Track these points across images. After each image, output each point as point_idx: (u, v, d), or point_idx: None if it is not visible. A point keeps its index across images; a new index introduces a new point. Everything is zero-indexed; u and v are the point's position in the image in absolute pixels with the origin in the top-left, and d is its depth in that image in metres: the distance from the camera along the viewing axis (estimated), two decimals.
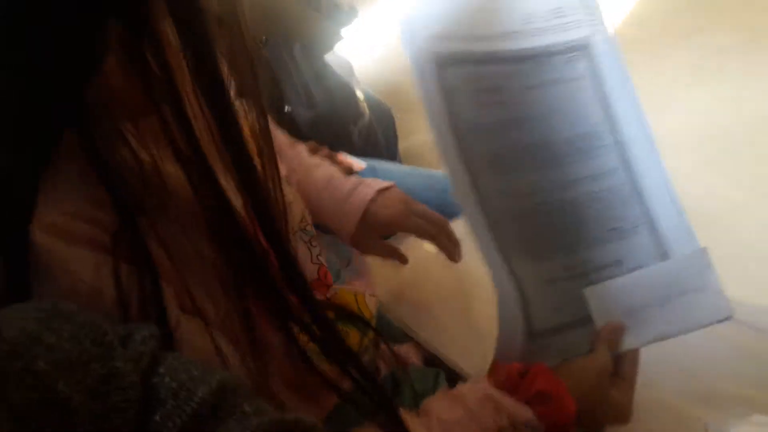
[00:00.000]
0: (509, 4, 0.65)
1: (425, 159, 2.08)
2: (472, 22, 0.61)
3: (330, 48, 1.26)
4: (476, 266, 0.64)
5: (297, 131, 0.77)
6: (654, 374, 0.67)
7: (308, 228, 0.63)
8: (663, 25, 2.53)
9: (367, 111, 1.24)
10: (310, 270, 0.60)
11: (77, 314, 0.33)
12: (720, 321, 0.64)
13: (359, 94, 1.26)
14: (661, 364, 0.70)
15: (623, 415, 0.56)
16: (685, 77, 2.17)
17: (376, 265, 0.79)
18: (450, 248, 0.72)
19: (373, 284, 0.72)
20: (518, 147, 0.58)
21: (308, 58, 1.14)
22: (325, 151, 0.92)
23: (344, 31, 1.63)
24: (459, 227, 0.76)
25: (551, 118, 0.60)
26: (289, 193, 0.62)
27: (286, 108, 1.11)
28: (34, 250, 0.35)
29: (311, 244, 0.61)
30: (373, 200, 0.71)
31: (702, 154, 1.82)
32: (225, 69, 0.45)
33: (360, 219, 0.70)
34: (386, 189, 0.73)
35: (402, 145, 1.84)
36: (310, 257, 0.61)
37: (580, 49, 0.61)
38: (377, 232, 0.72)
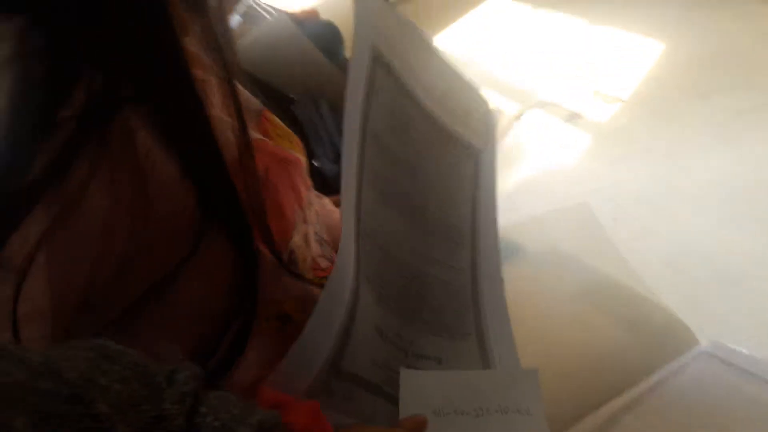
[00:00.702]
0: (443, 71, 0.67)
1: None
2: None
3: None
4: None
5: (324, 185, 0.79)
6: None
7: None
8: (681, 86, 2.56)
9: None
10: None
11: (123, 354, 0.33)
12: None
13: None
14: None
15: None
16: (706, 137, 2.18)
17: None
18: None
19: None
20: (401, 190, 0.58)
21: (335, 114, 1.16)
22: None
23: None
24: None
25: (437, 189, 0.60)
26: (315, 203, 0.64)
27: (314, 163, 1.13)
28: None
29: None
30: None
31: (725, 211, 1.81)
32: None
33: None
34: None
35: None
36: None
37: (474, 154, 0.63)
38: None
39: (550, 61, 3.10)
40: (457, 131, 0.62)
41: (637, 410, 0.75)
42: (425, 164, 0.59)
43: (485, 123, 0.67)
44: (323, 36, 2.06)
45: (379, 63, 0.56)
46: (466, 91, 0.69)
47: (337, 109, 1.19)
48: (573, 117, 2.52)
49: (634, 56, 2.91)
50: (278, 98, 1.17)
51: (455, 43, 3.67)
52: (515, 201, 2.12)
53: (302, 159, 0.66)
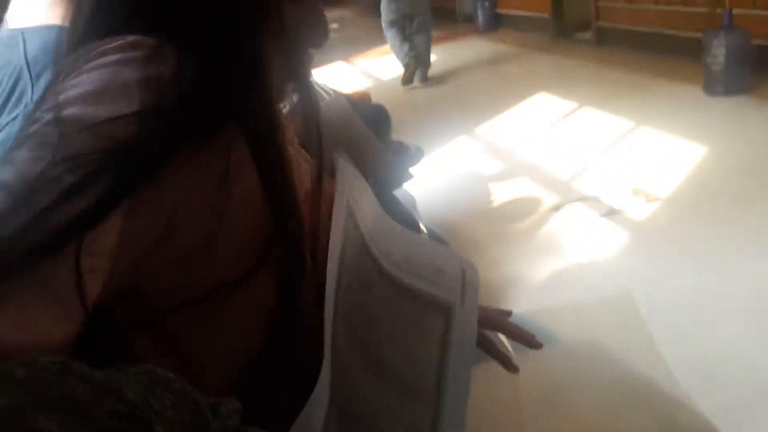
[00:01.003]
0: (406, 238, 0.69)
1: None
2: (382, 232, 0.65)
3: (399, 185, 1.35)
4: None
5: None
6: None
7: None
8: (723, 190, 2.57)
9: None
10: None
11: (172, 381, 0.34)
12: None
13: (423, 228, 1.33)
14: None
15: None
16: (746, 243, 2.17)
17: None
18: (500, 356, 0.74)
19: None
20: (364, 341, 0.59)
21: (378, 192, 1.23)
22: None
23: (413, 171, 1.75)
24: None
25: (395, 343, 0.61)
26: None
27: None
28: None
29: None
30: None
31: (764, 320, 1.78)
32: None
33: None
34: None
35: None
36: None
37: (443, 309, 0.63)
38: None
39: (593, 157, 3.16)
40: (421, 290, 0.63)
41: None
42: (384, 318, 0.59)
43: (461, 280, 0.67)
44: (374, 118, 2.19)
45: (351, 215, 0.60)
46: (436, 251, 0.71)
47: (380, 188, 1.26)
48: (612, 212, 2.55)
49: (676, 158, 2.94)
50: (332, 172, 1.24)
51: (500, 133, 3.79)
52: (550, 291, 2.13)
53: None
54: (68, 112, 0.42)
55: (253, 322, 0.54)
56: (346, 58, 6.85)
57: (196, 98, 0.46)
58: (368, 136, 1.43)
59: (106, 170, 0.41)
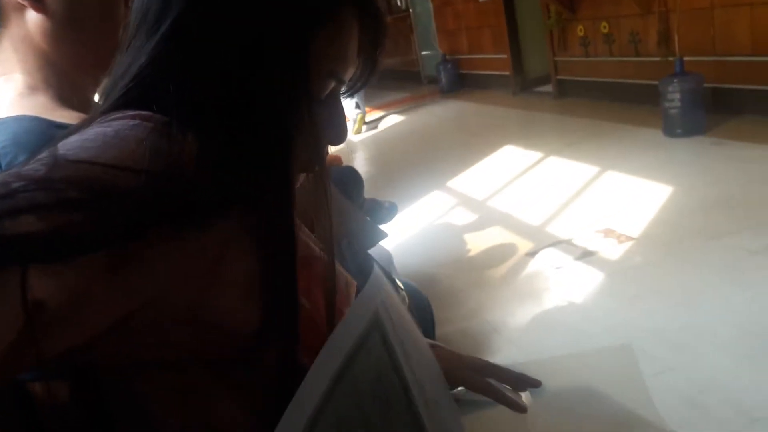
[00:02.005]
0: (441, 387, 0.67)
1: (459, 345, 2.11)
2: None
3: (374, 244, 1.38)
4: None
5: None
6: None
7: None
8: (691, 227, 2.63)
9: (407, 300, 1.31)
10: None
11: None
12: None
13: (399, 283, 1.34)
14: None
15: None
16: (719, 276, 2.21)
17: None
18: (506, 399, 0.73)
19: None
20: None
21: (353, 252, 1.25)
22: None
23: (388, 229, 1.78)
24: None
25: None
26: None
27: None
28: None
29: None
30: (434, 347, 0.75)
31: (743, 349, 1.80)
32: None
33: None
34: (434, 347, 0.76)
35: (438, 331, 1.88)
36: None
37: (375, 327, 0.63)
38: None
39: (563, 202, 3.23)
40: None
41: None
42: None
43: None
44: (345, 180, 2.23)
45: (377, 327, 0.58)
46: (455, 415, 0.71)
47: (355, 248, 1.28)
48: (586, 255, 2.59)
49: (643, 198, 3.03)
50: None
51: (471, 185, 3.86)
52: (532, 337, 2.14)
53: (351, 282, 0.72)
54: (67, 152, 0.42)
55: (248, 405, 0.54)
56: None
57: (209, 178, 0.46)
58: (341, 200, 1.46)
59: (86, 207, 0.39)
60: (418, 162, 4.69)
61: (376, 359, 0.57)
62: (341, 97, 0.59)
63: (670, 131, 3.81)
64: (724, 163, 3.25)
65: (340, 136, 0.59)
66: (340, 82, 0.56)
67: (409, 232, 3.28)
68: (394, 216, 2.71)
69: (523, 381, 0.74)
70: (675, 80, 3.70)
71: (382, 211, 2.59)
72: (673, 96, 3.71)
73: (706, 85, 3.78)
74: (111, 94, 0.51)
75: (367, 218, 1.47)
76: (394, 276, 1.41)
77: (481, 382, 0.72)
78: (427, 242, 3.16)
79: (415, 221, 3.42)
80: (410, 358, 0.61)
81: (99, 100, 0.53)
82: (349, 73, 0.56)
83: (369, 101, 7.62)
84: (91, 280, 0.40)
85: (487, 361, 0.76)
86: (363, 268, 1.23)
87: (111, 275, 0.41)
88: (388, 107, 7.16)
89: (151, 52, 0.50)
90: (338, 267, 0.67)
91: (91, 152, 0.42)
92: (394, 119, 6.56)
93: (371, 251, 1.54)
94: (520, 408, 0.72)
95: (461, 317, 2.28)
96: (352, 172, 2.25)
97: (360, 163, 2.45)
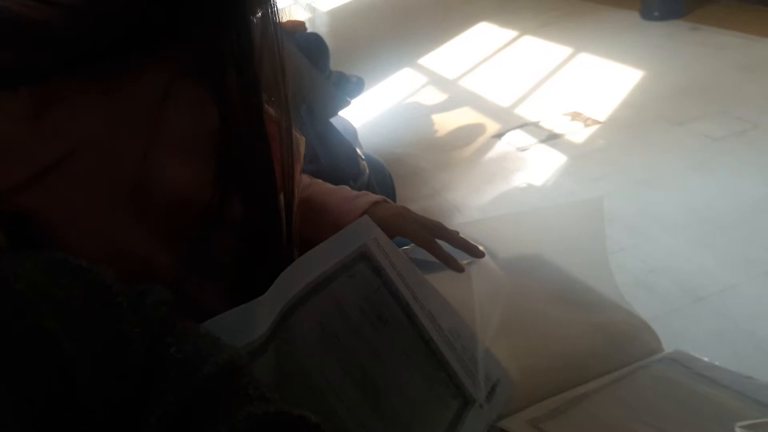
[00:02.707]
0: (461, 323, 0.67)
1: None
2: None
3: (335, 113, 1.32)
4: None
5: None
6: None
7: None
8: (659, 112, 2.62)
9: (367, 170, 1.29)
10: None
11: (87, 270, 0.31)
12: None
13: (360, 153, 1.31)
14: None
15: None
16: (681, 162, 2.24)
17: None
18: (445, 256, 0.73)
19: None
20: (358, 359, 0.59)
21: (313, 118, 1.19)
22: None
23: (354, 101, 1.72)
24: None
25: (402, 387, 0.60)
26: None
27: None
28: None
29: None
30: (376, 203, 0.75)
31: (695, 233, 1.86)
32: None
33: (362, 214, 0.73)
34: (387, 201, 0.78)
35: None
36: None
37: (464, 397, 0.64)
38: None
39: (533, 84, 3.17)
40: (454, 369, 0.62)
41: (595, 397, 0.78)
42: (396, 359, 0.59)
43: (493, 388, 0.67)
44: (309, 46, 2.11)
45: (365, 259, 0.61)
46: (480, 349, 0.69)
47: (315, 114, 1.23)
48: (552, 137, 2.58)
49: (613, 82, 2.98)
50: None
51: (442, 63, 3.75)
52: (489, 212, 2.16)
53: (299, 141, 0.69)
54: None
55: None
56: None
57: (139, 13, 0.42)
58: (301, 62, 1.38)
59: (4, 43, 0.37)
60: (389, 36, 4.50)
61: (364, 284, 0.60)
62: None
63: (647, 14, 3.70)
64: (698, 49, 3.19)
65: None
66: None
67: (376, 109, 3.20)
68: (361, 91, 2.61)
69: (467, 247, 0.73)
70: None
71: (349, 85, 2.50)
72: None
73: None
74: None
75: (330, 84, 1.40)
76: (357, 149, 1.37)
77: (426, 239, 0.71)
78: (394, 121, 3.10)
79: (383, 99, 3.34)
80: (413, 290, 0.63)
81: None
82: None
83: None
84: (16, 122, 0.38)
85: (438, 222, 0.75)
86: (323, 136, 1.19)
87: (35, 119, 0.38)
88: None
89: None
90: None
91: None
92: None
93: (336, 123, 1.49)
94: (458, 267, 0.72)
95: (424, 196, 2.28)
96: (317, 39, 2.13)
97: (327, 35, 2.32)
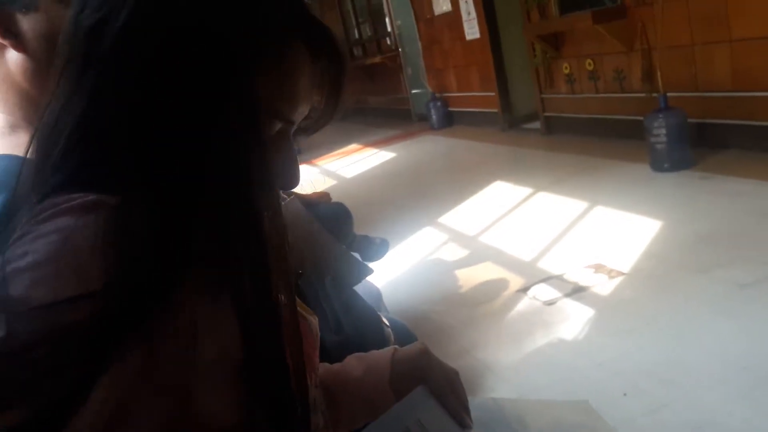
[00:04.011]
0: None
1: None
2: None
3: (359, 281, 1.37)
4: None
5: (325, 355, 0.83)
6: None
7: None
8: (681, 260, 2.64)
9: (392, 337, 1.30)
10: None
11: None
12: None
13: (385, 320, 1.33)
14: None
15: None
16: (710, 309, 2.21)
17: None
18: (455, 410, 0.71)
19: None
20: None
21: (338, 289, 1.24)
22: None
23: (378, 265, 1.77)
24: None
25: None
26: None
27: None
28: None
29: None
30: (397, 349, 0.76)
31: (734, 386, 1.78)
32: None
33: (390, 362, 0.74)
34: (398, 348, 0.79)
35: None
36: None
37: None
38: (408, 376, 0.73)
39: (553, 238, 3.24)
40: None
41: None
42: None
43: None
44: (334, 215, 2.23)
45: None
46: None
47: (339, 284, 1.27)
48: (577, 290, 2.58)
49: (632, 233, 3.03)
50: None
51: (462, 221, 3.87)
52: (520, 374, 2.11)
53: (315, 321, 0.71)
54: (15, 286, 0.41)
55: None
56: (309, 161, 7.02)
57: (171, 256, 0.45)
58: (324, 236, 1.46)
59: (53, 362, 0.40)
60: (409, 198, 4.71)
61: None
62: (295, 138, 0.58)
63: (657, 166, 3.85)
64: (712, 197, 3.27)
65: (292, 180, 0.57)
66: (289, 123, 0.54)
67: (401, 268, 3.26)
68: (385, 252, 2.70)
69: (460, 416, 0.71)
70: (660, 116, 3.75)
71: (373, 247, 2.59)
72: (659, 131, 3.76)
73: (690, 120, 3.83)
74: (45, 163, 0.49)
75: (352, 254, 1.46)
76: (381, 314, 1.40)
77: (444, 388, 0.71)
78: (418, 279, 3.15)
79: (407, 258, 3.41)
80: None
81: (31, 146, 0.51)
82: (299, 114, 0.55)
83: (360, 139, 7.71)
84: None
85: (456, 371, 0.75)
86: (348, 305, 1.22)
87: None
88: (380, 144, 7.22)
89: (83, 107, 0.48)
90: (299, 310, 0.66)
91: (42, 289, 0.41)
92: (385, 156, 6.60)
93: (359, 288, 1.53)
94: (466, 424, 0.71)
95: (453, 355, 2.25)
96: (341, 208, 2.25)
97: (351, 200, 2.46)
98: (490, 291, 2.79)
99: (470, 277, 3.02)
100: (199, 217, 0.48)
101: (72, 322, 0.40)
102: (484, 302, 2.69)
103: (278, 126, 0.53)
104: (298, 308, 0.66)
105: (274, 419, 0.54)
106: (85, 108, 0.48)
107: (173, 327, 0.46)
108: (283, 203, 1.51)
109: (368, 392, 0.74)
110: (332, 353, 1.10)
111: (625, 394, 1.85)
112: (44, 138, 0.50)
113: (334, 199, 2.56)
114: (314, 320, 0.69)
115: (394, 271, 3.20)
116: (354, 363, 0.78)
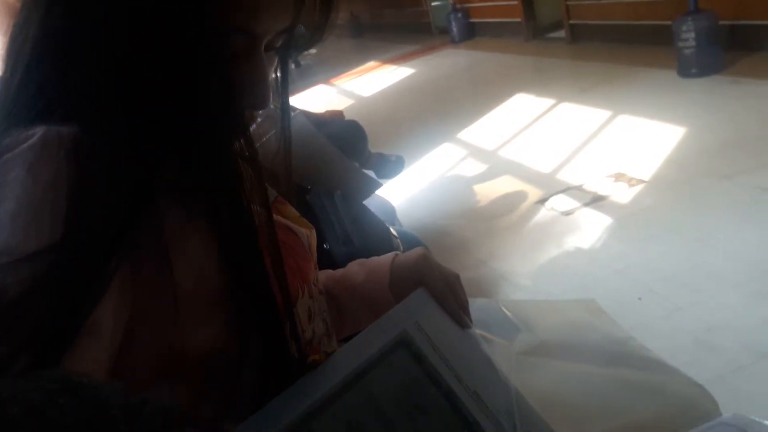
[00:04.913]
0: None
1: (467, 293, 2.10)
2: None
3: (368, 195, 1.37)
4: None
5: (335, 267, 0.84)
6: None
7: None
8: (704, 167, 2.58)
9: (401, 248, 1.32)
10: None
11: (87, 386, 0.32)
12: None
13: (394, 232, 1.34)
14: None
15: None
16: (732, 215, 2.18)
17: None
18: (454, 310, 0.72)
19: None
20: None
21: (347, 203, 1.24)
22: None
23: (395, 182, 1.77)
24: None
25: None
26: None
27: (325, 245, 1.20)
28: None
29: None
30: (397, 254, 0.78)
31: (756, 287, 1.78)
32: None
33: (390, 267, 0.75)
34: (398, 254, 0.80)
35: None
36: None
37: (401, 345, 0.66)
38: (407, 280, 0.74)
39: (574, 148, 3.18)
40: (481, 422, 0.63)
41: None
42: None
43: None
44: (347, 133, 2.21)
45: (405, 346, 0.62)
46: (539, 426, 0.72)
47: (349, 199, 1.28)
48: (596, 200, 2.56)
49: (655, 141, 2.96)
50: (295, 189, 1.26)
51: (481, 136, 3.81)
52: (536, 282, 2.13)
53: (309, 234, 0.72)
54: None
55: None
56: (326, 81, 6.92)
57: (125, 182, 0.45)
58: (331, 151, 1.46)
59: (51, 307, 0.40)
60: (429, 114, 4.64)
61: (403, 372, 0.60)
62: (276, 55, 0.55)
63: (684, 71, 3.70)
64: (740, 102, 3.16)
65: (262, 99, 0.54)
66: (253, 37, 0.51)
67: (419, 185, 3.26)
68: (401, 170, 2.69)
69: (458, 317, 0.71)
70: (689, 19, 3.57)
71: (389, 164, 2.58)
72: (688, 35, 3.59)
73: (722, 22, 3.64)
74: (11, 83, 0.49)
75: (361, 169, 1.46)
76: (392, 227, 1.41)
77: (443, 291, 0.70)
78: (436, 195, 3.15)
79: (425, 174, 3.41)
80: (458, 372, 0.63)
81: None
82: (265, 26, 0.51)
83: (378, 56, 7.54)
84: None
85: (456, 275, 0.74)
86: (357, 218, 1.23)
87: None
88: (399, 61, 7.05)
89: (42, 28, 0.47)
90: (292, 225, 0.66)
91: (23, 238, 0.41)
92: (404, 72, 6.46)
93: (371, 204, 1.54)
94: (465, 323, 0.71)
95: (470, 267, 2.28)
96: (354, 126, 2.23)
97: (368, 119, 2.44)
98: (508, 204, 2.79)
99: (489, 191, 3.01)
100: (162, 139, 0.48)
101: (57, 267, 0.41)
102: (502, 215, 2.69)
103: (241, 39, 0.50)
104: (289, 222, 0.67)
105: (262, 334, 0.55)
106: (42, 21, 0.47)
107: (149, 253, 0.47)
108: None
109: (370, 297, 0.76)
110: (341, 265, 1.12)
111: (640, 299, 1.87)
112: (9, 57, 0.49)
113: (350, 117, 2.53)
114: (307, 232, 0.69)
115: (413, 189, 3.21)
116: (356, 269, 0.80)
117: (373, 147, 2.56)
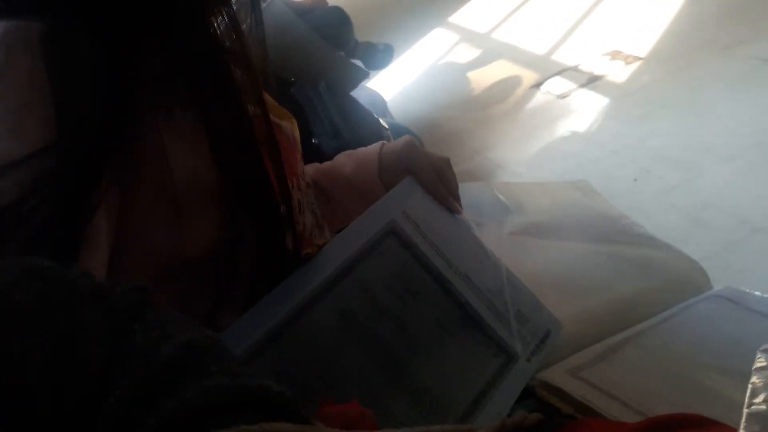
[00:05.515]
0: (501, 273, 0.68)
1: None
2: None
3: (354, 86, 1.33)
4: None
5: (323, 160, 0.83)
6: None
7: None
8: (703, 39, 2.49)
9: (391, 140, 1.29)
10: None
11: (52, 269, 0.31)
12: None
13: (384, 124, 1.31)
14: None
15: None
16: (730, 87, 2.13)
17: None
18: (443, 196, 0.73)
19: None
20: (381, 339, 0.59)
21: (333, 94, 1.20)
22: None
23: (384, 72, 1.70)
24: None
25: (430, 354, 0.61)
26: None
27: (313, 140, 1.17)
28: None
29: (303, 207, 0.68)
30: (384, 143, 0.77)
31: (750, 161, 1.77)
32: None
33: (378, 156, 0.75)
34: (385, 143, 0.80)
35: None
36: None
37: (507, 354, 0.63)
38: (395, 168, 0.74)
39: (569, 27, 3.06)
40: (493, 328, 0.63)
41: (638, 341, 0.77)
42: (425, 328, 0.60)
43: (540, 337, 0.67)
44: (331, 21, 2.10)
45: (394, 235, 0.62)
46: (527, 298, 0.69)
47: (335, 90, 1.23)
48: (592, 80, 2.49)
49: (652, 14, 2.84)
50: (277, 81, 1.21)
51: (473, 18, 3.66)
52: (531, 168, 2.12)
53: (291, 125, 0.70)
54: None
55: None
56: None
57: (114, 86, 0.43)
58: (316, 42, 1.39)
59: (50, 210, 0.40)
60: None
61: (393, 260, 0.61)
62: None
63: None
64: None
65: None
66: None
67: (410, 76, 3.16)
68: (390, 59, 2.59)
69: (447, 202, 0.70)
70: None
71: (377, 54, 2.48)
72: None
73: None
74: None
75: (346, 58, 1.40)
76: (380, 119, 1.37)
77: (431, 179, 0.70)
78: (428, 85, 3.06)
79: (416, 63, 3.29)
80: (447, 256, 0.64)
81: None
82: None
83: None
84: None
85: (446, 159, 0.73)
86: (344, 111, 1.19)
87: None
88: None
89: None
90: (273, 118, 0.64)
91: (11, 143, 0.40)
92: None
93: (361, 96, 1.49)
94: (456, 209, 0.71)
95: (464, 158, 2.26)
96: (338, 13, 2.12)
97: (353, 4, 2.30)
98: (502, 90, 2.72)
99: (482, 77, 2.92)
100: (141, 28, 0.45)
101: (51, 169, 0.40)
102: (497, 102, 2.63)
103: None
104: (272, 116, 0.64)
105: (259, 229, 0.55)
106: None
107: (143, 153, 0.46)
108: (263, 5, 1.42)
109: (360, 187, 0.75)
110: (330, 158, 1.10)
111: (635, 180, 1.86)
112: None
113: (334, 3, 2.40)
114: (289, 124, 0.68)
115: (403, 80, 3.11)
116: (344, 160, 0.78)
117: (360, 36, 2.45)
